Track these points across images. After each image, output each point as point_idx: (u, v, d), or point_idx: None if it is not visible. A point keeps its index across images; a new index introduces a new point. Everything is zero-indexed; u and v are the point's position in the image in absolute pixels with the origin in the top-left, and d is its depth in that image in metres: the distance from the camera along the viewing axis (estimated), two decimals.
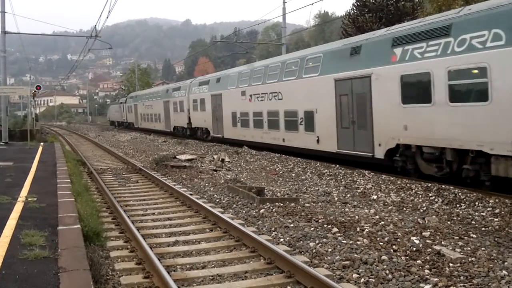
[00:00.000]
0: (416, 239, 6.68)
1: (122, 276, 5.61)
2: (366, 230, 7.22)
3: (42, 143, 24.34)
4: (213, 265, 6.03)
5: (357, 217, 8.12)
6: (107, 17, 25.14)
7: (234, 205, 9.63)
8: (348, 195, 10.50)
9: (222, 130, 24.39)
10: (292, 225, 7.76)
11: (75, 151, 23.08)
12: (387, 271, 5.52)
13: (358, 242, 6.65)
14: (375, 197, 10.16)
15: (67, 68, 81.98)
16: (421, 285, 5.14)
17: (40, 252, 4.97)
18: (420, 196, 10.04)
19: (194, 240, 7.21)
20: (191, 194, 10.47)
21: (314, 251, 6.38)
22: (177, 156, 18.31)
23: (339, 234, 7.09)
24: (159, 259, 5.81)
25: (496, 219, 7.96)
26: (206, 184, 12.29)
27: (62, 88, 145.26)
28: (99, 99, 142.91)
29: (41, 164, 14.18)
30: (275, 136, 18.67)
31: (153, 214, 9.12)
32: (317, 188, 11.46)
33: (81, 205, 7.82)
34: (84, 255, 4.94)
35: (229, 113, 23.25)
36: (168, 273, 5.35)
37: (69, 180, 10.44)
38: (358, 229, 7.31)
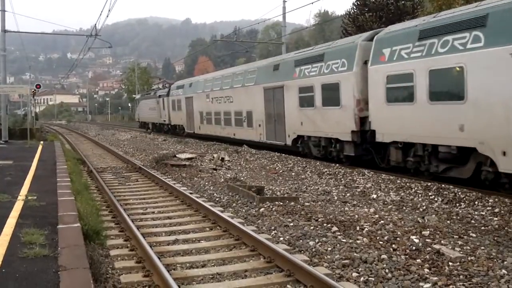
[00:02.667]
0: (415, 238, 6.68)
1: (122, 274, 5.62)
2: (366, 229, 7.22)
3: (42, 142, 24.34)
4: (213, 264, 6.04)
5: (356, 216, 8.12)
6: (107, 16, 25.10)
7: (234, 204, 9.63)
8: (348, 194, 10.51)
9: None
10: (291, 224, 7.76)
11: (75, 150, 23.08)
12: (387, 270, 5.53)
13: (358, 241, 6.65)
14: (374, 196, 10.16)
15: (67, 66, 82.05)
16: (421, 284, 5.15)
17: (40, 251, 4.97)
18: (420, 195, 10.04)
19: (194, 239, 7.21)
20: (191, 193, 10.47)
21: (313, 250, 6.38)
22: (177, 155, 18.30)
23: (338, 233, 7.10)
24: (159, 258, 5.80)
25: (496, 219, 7.97)
26: (206, 183, 12.29)
27: (62, 87, 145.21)
28: (99, 98, 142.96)
29: (41, 162, 14.17)
30: None
31: (153, 212, 9.12)
32: (317, 187, 11.46)
33: (81, 204, 7.82)
34: (84, 254, 4.95)
35: None
36: (168, 271, 5.35)
37: (69, 179, 10.44)
38: (357, 228, 7.32)
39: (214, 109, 25.48)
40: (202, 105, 27.43)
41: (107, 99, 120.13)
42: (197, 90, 28.48)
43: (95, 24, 25.70)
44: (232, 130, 23.31)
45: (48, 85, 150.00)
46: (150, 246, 6.36)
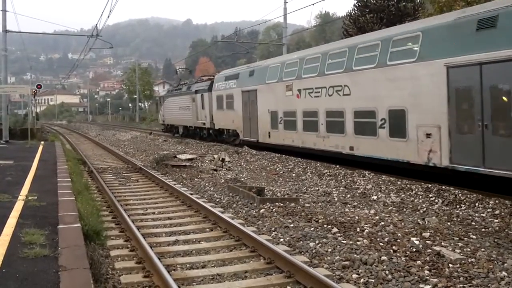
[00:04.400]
0: (416, 240, 6.68)
1: (122, 275, 5.62)
2: (366, 230, 7.22)
3: (42, 142, 24.36)
4: (213, 265, 6.04)
5: (357, 217, 8.12)
6: (108, 16, 25.16)
7: (234, 205, 9.63)
8: (348, 196, 10.51)
9: None
10: (292, 225, 7.76)
11: (76, 150, 23.09)
12: (387, 272, 5.53)
13: (358, 243, 6.65)
14: (375, 197, 10.16)
15: (68, 67, 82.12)
16: (421, 285, 5.15)
17: (40, 251, 4.97)
18: (420, 196, 10.04)
19: (194, 240, 7.21)
20: (191, 194, 10.47)
21: (314, 251, 6.38)
22: (177, 156, 18.32)
23: (339, 235, 7.10)
24: (159, 258, 5.81)
25: (496, 220, 7.97)
26: (206, 184, 12.29)
27: (62, 87, 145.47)
28: (100, 98, 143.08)
29: (41, 163, 14.18)
30: None
31: (153, 213, 9.13)
32: (317, 188, 11.46)
33: (82, 204, 7.82)
34: (84, 254, 4.95)
35: None
36: (168, 272, 5.36)
37: (69, 179, 10.45)
38: (358, 229, 7.32)
39: (302, 107, 16.75)
40: (277, 101, 18.61)
41: (108, 99, 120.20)
42: (266, 79, 19.53)
43: (96, 25, 25.72)
44: (347, 141, 14.25)
45: (49, 85, 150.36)
46: (150, 247, 6.36)
